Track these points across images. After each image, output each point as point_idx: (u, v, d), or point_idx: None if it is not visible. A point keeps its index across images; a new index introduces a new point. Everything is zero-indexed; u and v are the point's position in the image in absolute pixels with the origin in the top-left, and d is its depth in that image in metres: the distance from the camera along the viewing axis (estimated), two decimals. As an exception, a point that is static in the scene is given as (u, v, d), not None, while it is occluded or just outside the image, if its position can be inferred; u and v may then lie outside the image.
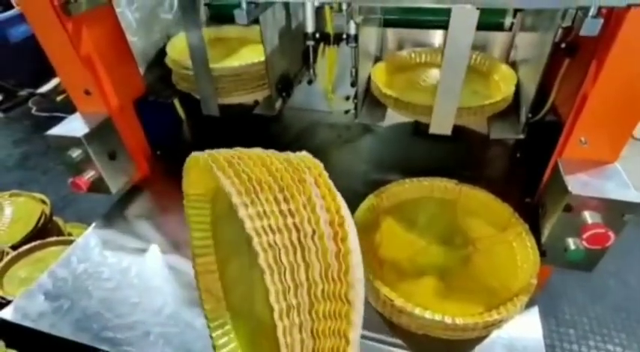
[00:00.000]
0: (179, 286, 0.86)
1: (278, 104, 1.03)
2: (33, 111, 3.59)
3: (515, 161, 1.16)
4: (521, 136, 0.89)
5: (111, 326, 0.78)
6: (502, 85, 0.98)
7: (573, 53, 0.82)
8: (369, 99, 1.05)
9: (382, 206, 0.90)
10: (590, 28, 0.60)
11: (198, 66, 0.94)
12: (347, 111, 1.34)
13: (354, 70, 1.07)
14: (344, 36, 1.02)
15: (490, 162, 1.20)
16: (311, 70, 1.14)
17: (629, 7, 0.57)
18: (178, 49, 1.07)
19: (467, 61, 0.77)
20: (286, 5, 0.98)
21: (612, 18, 0.62)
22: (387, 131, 1.31)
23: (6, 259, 1.60)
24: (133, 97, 1.09)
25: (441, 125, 0.88)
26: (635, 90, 0.64)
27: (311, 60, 1.12)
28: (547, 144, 0.91)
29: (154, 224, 1.03)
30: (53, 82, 3.88)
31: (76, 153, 0.94)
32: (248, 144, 1.28)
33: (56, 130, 0.95)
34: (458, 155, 1.19)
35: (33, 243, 1.69)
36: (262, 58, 0.94)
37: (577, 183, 0.68)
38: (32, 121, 3.50)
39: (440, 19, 1.09)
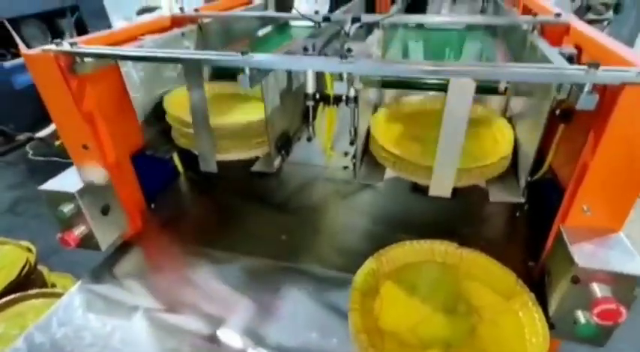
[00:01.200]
0: (169, 350, 0.80)
1: (277, 162, 1.03)
2: (30, 155, 3.59)
3: (515, 220, 1.14)
4: (522, 200, 0.88)
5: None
6: (501, 143, 0.99)
7: (568, 119, 0.84)
8: (368, 158, 1.05)
9: (382, 270, 0.87)
10: (586, 103, 0.62)
11: (199, 123, 0.94)
12: (345, 167, 1.35)
13: (353, 130, 1.09)
14: (343, 97, 1.04)
15: (489, 220, 1.18)
16: (310, 128, 1.16)
17: (623, 85, 0.59)
18: (175, 105, 1.09)
19: (465, 128, 0.78)
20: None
21: (607, 92, 0.63)
22: (385, 187, 1.30)
23: (-18, 313, 1.51)
24: (130, 151, 1.09)
25: (440, 187, 0.88)
26: (636, 161, 0.65)
27: (310, 118, 1.14)
28: (546, 204, 0.91)
29: (144, 283, 0.98)
30: (52, 127, 3.92)
31: (67, 209, 0.92)
32: (245, 198, 1.29)
33: (50, 185, 0.93)
34: (456, 212, 1.18)
35: (13, 296, 1.60)
36: (262, 115, 0.95)
37: (583, 254, 0.67)
38: (28, 166, 3.48)
39: (439, 83, 1.13)
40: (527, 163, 0.87)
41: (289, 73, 1.02)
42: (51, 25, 4.06)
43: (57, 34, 4.13)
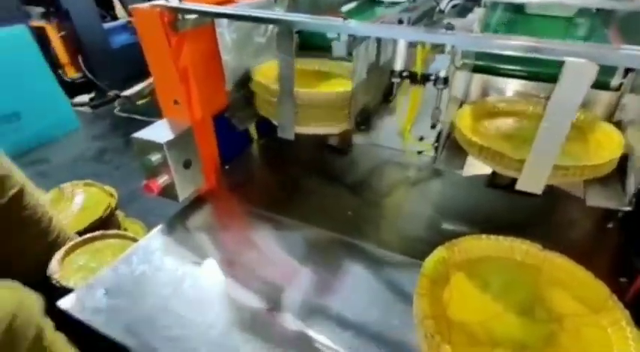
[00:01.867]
0: (230, 307, 0.84)
1: (356, 138, 1.01)
2: (116, 110, 3.91)
3: (605, 229, 1.03)
4: (627, 208, 0.79)
5: (158, 337, 0.77)
6: (606, 146, 0.89)
7: None
8: (449, 145, 1.00)
9: (453, 259, 0.83)
10: None
11: (284, 89, 0.94)
12: (420, 152, 1.30)
13: (437, 112, 1.04)
14: (432, 77, 0.99)
15: (574, 227, 1.08)
16: (391, 107, 1.12)
17: None
18: (262, 73, 1.10)
19: (572, 119, 0.70)
20: (379, 40, 0.98)
21: None
22: (457, 179, 1.23)
23: (69, 244, 1.69)
24: (213, 112, 1.13)
25: (530, 183, 0.81)
26: None
27: (393, 97, 1.10)
28: None
29: (212, 238, 1.03)
30: (137, 87, 4.23)
31: (155, 158, 0.98)
32: (314, 172, 1.29)
33: (141, 134, 1.00)
34: (534, 213, 1.09)
35: (95, 233, 1.78)
36: (345, 89, 0.93)
37: None
38: (113, 120, 3.80)
39: (547, 72, 1.02)
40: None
41: (379, 47, 0.99)
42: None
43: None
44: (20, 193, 1.44)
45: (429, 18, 1.16)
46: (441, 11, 1.15)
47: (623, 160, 0.86)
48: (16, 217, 1.44)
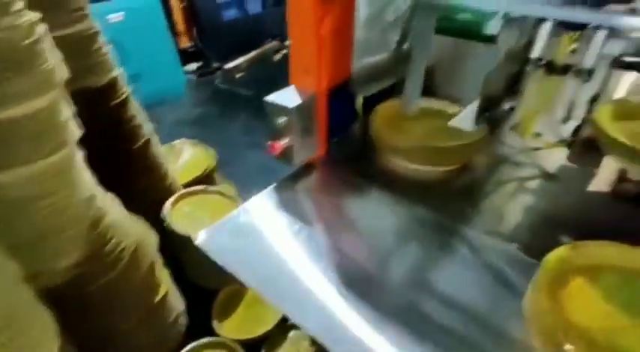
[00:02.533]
0: (343, 264, 0.89)
1: (478, 122, 0.99)
2: (216, 82, 4.22)
3: None
4: None
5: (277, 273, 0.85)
6: None
7: None
8: (585, 145, 0.93)
9: (575, 262, 0.79)
10: None
11: (417, 58, 0.93)
12: (536, 149, 1.23)
13: (572, 106, 0.97)
14: (573, 68, 0.93)
15: None
16: (517, 96, 1.07)
17: None
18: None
19: None
20: (522, 23, 0.94)
21: None
22: (574, 183, 1.14)
23: (178, 193, 1.90)
24: (333, 84, 1.18)
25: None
26: None
27: (523, 86, 1.05)
28: None
29: (323, 203, 1.09)
30: (237, 61, 4.51)
31: (282, 120, 1.06)
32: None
33: (273, 97, 1.08)
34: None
35: (199, 187, 1.97)
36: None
37: None
38: (213, 90, 4.11)
39: None
40: None
41: (522, 28, 0.94)
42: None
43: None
44: (148, 142, 1.64)
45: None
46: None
47: None
48: (145, 161, 1.65)
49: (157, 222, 1.60)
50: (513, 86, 1.10)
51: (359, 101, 1.41)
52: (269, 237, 0.95)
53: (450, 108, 1.31)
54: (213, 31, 4.00)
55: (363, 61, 1.17)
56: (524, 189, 1.14)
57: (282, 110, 1.06)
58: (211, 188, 2.00)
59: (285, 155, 1.13)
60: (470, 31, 1.06)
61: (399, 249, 0.94)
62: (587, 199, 1.09)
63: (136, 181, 1.68)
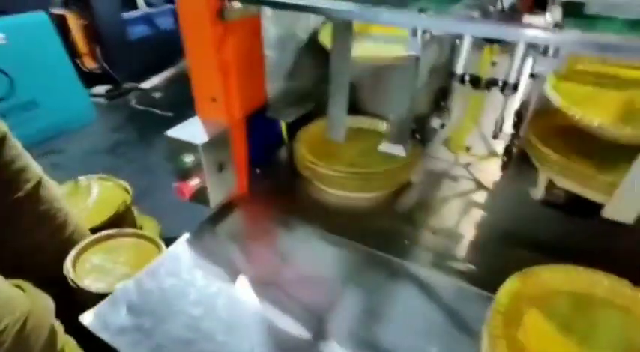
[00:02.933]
0: (268, 331, 0.75)
1: (408, 145, 0.91)
2: (132, 103, 3.85)
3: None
4: None
5: (190, 365, 0.68)
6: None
7: None
8: (518, 160, 0.90)
9: (526, 293, 0.73)
10: None
11: (337, 86, 0.84)
12: (467, 164, 1.20)
13: (501, 121, 0.93)
14: (499, 83, 0.89)
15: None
16: (445, 113, 1.02)
17: None
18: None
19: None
20: (440, 40, 0.88)
21: None
22: (512, 194, 1.12)
23: (83, 242, 1.62)
24: (249, 111, 1.04)
25: (621, 211, 0.71)
26: None
27: (449, 101, 1.00)
28: None
29: (246, 250, 0.94)
30: (154, 80, 4.18)
31: (189, 159, 0.89)
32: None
33: (176, 133, 0.91)
34: (602, 237, 0.98)
35: (110, 231, 1.70)
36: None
37: None
38: (128, 112, 3.74)
39: None
40: None
41: (442, 46, 0.89)
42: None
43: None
44: (37, 187, 1.36)
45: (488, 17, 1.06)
46: (502, 10, 1.05)
47: None
48: (33, 212, 1.37)
49: (61, 280, 1.34)
50: (441, 102, 1.05)
51: (282, 126, 1.29)
52: (178, 312, 0.77)
53: (380, 126, 1.23)
54: (120, 49, 3.65)
55: (279, 84, 1.05)
56: (461, 206, 1.09)
57: (188, 147, 0.89)
58: (126, 231, 1.74)
59: (199, 197, 0.96)
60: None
61: (338, 299, 0.82)
62: (522, 210, 1.07)
63: (26, 237, 1.38)
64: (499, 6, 1.05)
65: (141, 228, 2.08)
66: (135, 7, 4.04)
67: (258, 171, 1.17)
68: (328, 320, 0.76)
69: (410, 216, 1.05)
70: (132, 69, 3.83)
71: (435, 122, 1.04)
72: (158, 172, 2.74)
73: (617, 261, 0.88)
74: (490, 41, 0.89)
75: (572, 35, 0.55)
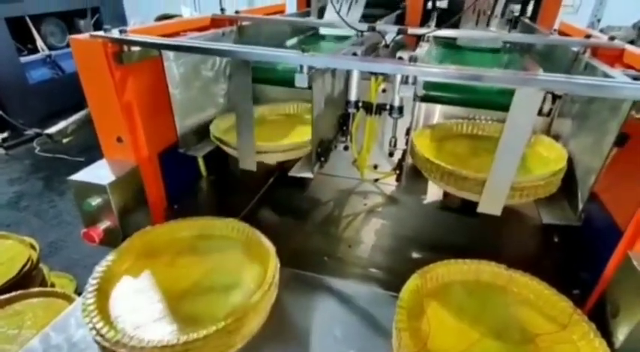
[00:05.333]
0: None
1: (316, 168, 0.99)
2: (37, 151, 3.54)
3: (551, 244, 1.10)
4: (578, 223, 0.84)
5: None
6: (551, 160, 0.95)
7: (622, 143, 0.81)
8: (410, 172, 1.02)
9: (426, 288, 0.82)
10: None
11: (242, 121, 0.90)
12: (375, 180, 1.31)
13: (393, 141, 1.06)
14: (387, 107, 1.02)
15: (524, 242, 1.14)
16: (348, 137, 1.13)
17: None
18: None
19: (526, 142, 0.75)
20: (333, 72, 0.99)
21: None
22: (413, 202, 1.26)
23: (-20, 311, 1.44)
24: (161, 148, 1.05)
25: (491, 205, 0.84)
26: None
27: (350, 127, 1.11)
28: (588, 228, 0.86)
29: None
30: (60, 125, 3.89)
31: (96, 202, 0.87)
32: (269, 206, 1.24)
33: (81, 176, 0.89)
34: (488, 233, 1.14)
35: (12, 294, 1.53)
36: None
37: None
38: (33, 161, 3.43)
39: (487, 101, 1.10)
40: (586, 185, 0.83)
41: (334, 77, 0.99)
42: (70, 24, 4.07)
43: (76, 32, 4.15)
44: None
45: (375, 52, 1.21)
46: (386, 45, 1.20)
47: (567, 179, 0.92)
48: None
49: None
50: (343, 127, 1.15)
51: (199, 160, 1.31)
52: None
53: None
54: (20, 94, 3.37)
55: (188, 120, 1.08)
56: (371, 218, 1.19)
57: (94, 189, 0.87)
58: (32, 291, 1.58)
59: (110, 240, 0.93)
60: (290, 80, 1.07)
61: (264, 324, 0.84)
62: (424, 216, 1.20)
63: None
64: (383, 43, 1.21)
65: (52, 286, 1.90)
66: (35, 50, 3.79)
67: (176, 207, 1.17)
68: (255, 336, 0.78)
69: (327, 232, 1.11)
70: (33, 114, 3.54)
71: (340, 145, 1.14)
72: (70, 223, 2.53)
73: (497, 249, 1.04)
74: (375, 73, 1.02)
75: (421, 68, 0.68)
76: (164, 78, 0.96)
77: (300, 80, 0.72)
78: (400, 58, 0.92)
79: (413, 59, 0.70)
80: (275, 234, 1.11)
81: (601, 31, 3.77)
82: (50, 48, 3.84)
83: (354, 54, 0.95)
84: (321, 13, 1.64)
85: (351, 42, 1.08)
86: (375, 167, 1.31)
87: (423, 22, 1.79)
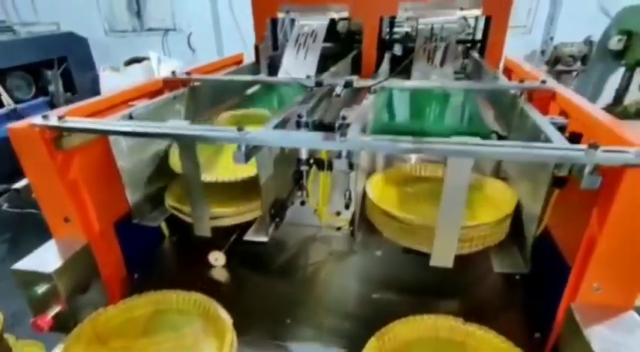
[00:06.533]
0: None
1: (271, 229, 0.99)
2: (4, 207, 3.43)
3: (515, 286, 1.11)
4: (526, 270, 0.86)
5: None
6: (500, 204, 0.97)
7: (562, 185, 0.83)
8: (365, 224, 1.02)
9: (385, 349, 0.81)
10: (590, 183, 0.61)
11: (192, 191, 0.90)
12: (338, 228, 1.31)
13: (347, 195, 1.07)
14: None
15: (487, 284, 1.15)
16: (304, 192, 1.13)
17: (624, 166, 0.59)
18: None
19: (464, 201, 0.76)
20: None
21: (609, 171, 0.63)
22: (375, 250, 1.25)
23: None
24: (114, 220, 1.04)
25: (442, 259, 0.85)
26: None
27: (304, 182, 1.12)
28: (544, 267, 0.88)
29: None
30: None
31: (42, 290, 0.84)
32: (235, 263, 1.22)
33: (24, 264, 0.86)
34: (453, 277, 1.14)
35: (-27, 374, 1.45)
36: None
37: (599, 340, 0.63)
38: (0, 218, 3.32)
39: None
40: (530, 229, 0.85)
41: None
42: (37, 76, 4.05)
43: (43, 85, 4.12)
44: None
45: (327, 101, 1.24)
46: (338, 95, 1.23)
47: (517, 224, 0.94)
48: None
49: None
50: (300, 182, 1.16)
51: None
52: None
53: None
54: (-16, 152, 3.30)
55: (140, 190, 1.06)
56: (339, 270, 1.19)
57: (39, 278, 0.85)
58: (-4, 367, 1.50)
59: (63, 326, 0.90)
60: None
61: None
62: (387, 263, 1.20)
63: None
64: (334, 93, 1.23)
65: (21, 356, 1.81)
66: (0, 104, 3.74)
67: (136, 276, 1.14)
68: None
69: (291, 291, 1.10)
70: (0, 170, 3.46)
71: (298, 200, 1.15)
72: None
73: (462, 290, 1.04)
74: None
75: (349, 143, 0.70)
76: (111, 152, 0.96)
77: (239, 158, 0.73)
78: (344, 118, 0.94)
79: (343, 133, 0.71)
80: (236, 296, 1.10)
81: (555, 48, 3.97)
82: (17, 101, 3.80)
83: (299, 116, 0.98)
84: (271, 67, 1.68)
85: (299, 99, 1.10)
86: (338, 214, 1.32)
87: (378, 64, 1.85)
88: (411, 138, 0.70)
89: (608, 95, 4.01)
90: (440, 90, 1.43)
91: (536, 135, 0.81)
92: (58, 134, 0.82)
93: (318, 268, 1.20)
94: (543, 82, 1.05)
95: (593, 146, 0.61)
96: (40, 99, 4.06)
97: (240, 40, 3.98)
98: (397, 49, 2.28)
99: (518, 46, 4.02)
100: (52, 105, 4.14)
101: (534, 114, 0.90)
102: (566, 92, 1.00)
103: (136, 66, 4.43)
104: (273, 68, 1.72)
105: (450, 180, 0.73)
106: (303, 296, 1.08)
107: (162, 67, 4.16)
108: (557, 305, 0.79)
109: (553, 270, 0.90)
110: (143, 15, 4.69)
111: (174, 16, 4.58)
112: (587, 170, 0.61)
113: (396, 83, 1.27)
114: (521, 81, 1.11)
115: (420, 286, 1.10)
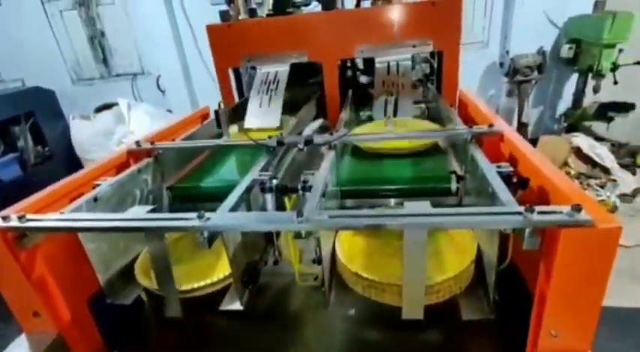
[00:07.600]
0: None
1: (245, 297, 1.00)
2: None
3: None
4: (491, 317, 0.89)
5: None
6: (466, 255, 1.01)
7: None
8: (337, 281, 1.04)
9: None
10: (531, 244, 0.66)
11: (160, 277, 0.91)
12: (315, 278, 1.32)
13: (317, 256, 1.09)
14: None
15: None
16: (276, 252, 1.15)
17: (560, 227, 0.64)
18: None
19: (425, 264, 0.79)
20: (247, 199, 1.02)
21: (548, 232, 0.68)
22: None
23: None
24: (87, 298, 1.03)
25: (412, 312, 0.87)
26: (591, 285, 0.68)
27: (275, 244, 1.14)
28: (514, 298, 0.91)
29: None
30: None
31: (15, 392, 0.83)
32: (219, 323, 1.21)
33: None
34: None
35: None
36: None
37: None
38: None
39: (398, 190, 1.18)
40: (490, 275, 0.89)
41: (248, 203, 1.03)
42: (5, 133, 3.99)
43: (11, 141, 4.04)
44: None
45: (290, 159, 1.28)
46: (300, 149, 1.27)
47: (479, 265, 0.98)
48: None
49: None
50: (271, 246, 1.18)
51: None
52: None
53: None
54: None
55: (111, 270, 1.06)
56: (317, 322, 1.19)
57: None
58: None
59: None
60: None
61: None
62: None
63: None
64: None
65: None
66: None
67: (116, 352, 1.12)
68: None
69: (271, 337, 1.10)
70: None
71: (270, 260, 1.16)
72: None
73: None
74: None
75: (306, 225, 0.73)
76: (77, 238, 0.96)
77: (202, 244, 0.75)
78: (305, 182, 0.98)
79: (300, 214, 0.74)
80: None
81: (512, 60, 4.15)
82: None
83: (262, 183, 1.01)
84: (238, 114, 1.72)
85: (262, 161, 1.13)
86: (314, 261, 1.33)
87: (342, 101, 1.91)
88: (369, 211, 0.74)
89: (567, 99, 4.23)
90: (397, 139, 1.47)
91: (484, 187, 0.86)
92: (20, 234, 0.82)
93: (298, 316, 1.20)
94: (491, 125, 1.11)
95: (529, 209, 0.65)
96: (10, 155, 3.98)
97: (209, 75, 4.02)
98: (363, 79, 2.37)
99: (477, 60, 4.21)
100: (22, 161, 4.07)
101: (483, 163, 0.95)
102: (512, 135, 1.07)
103: (106, 113, 4.41)
104: (238, 118, 1.76)
105: (408, 248, 0.77)
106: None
107: (133, 112, 4.15)
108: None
109: (523, 309, 0.94)
110: (110, 62, 4.69)
111: (141, 60, 4.60)
112: (526, 233, 0.65)
113: (354, 137, 1.32)
114: (473, 121, 1.17)
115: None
